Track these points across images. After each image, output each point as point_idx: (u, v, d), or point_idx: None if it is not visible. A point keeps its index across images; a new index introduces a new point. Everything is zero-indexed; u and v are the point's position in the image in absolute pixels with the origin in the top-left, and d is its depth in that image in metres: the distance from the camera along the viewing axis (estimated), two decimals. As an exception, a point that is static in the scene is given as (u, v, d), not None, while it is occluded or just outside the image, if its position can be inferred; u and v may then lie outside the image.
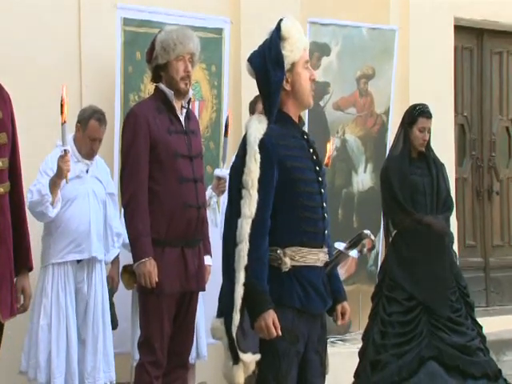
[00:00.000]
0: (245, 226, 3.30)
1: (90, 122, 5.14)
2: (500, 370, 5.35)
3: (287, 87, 3.47)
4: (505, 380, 5.36)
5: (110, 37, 6.13)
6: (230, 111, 6.29)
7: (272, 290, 3.36)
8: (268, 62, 3.46)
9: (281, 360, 3.37)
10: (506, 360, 7.25)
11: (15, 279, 3.64)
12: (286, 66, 3.45)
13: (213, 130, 6.31)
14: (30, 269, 3.80)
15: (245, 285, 3.30)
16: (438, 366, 5.14)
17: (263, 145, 3.38)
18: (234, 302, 3.31)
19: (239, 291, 3.31)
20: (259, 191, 3.32)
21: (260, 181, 3.32)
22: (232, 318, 3.31)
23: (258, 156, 3.34)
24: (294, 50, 3.46)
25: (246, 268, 3.30)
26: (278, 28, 3.47)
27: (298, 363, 3.44)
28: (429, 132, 5.46)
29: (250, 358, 3.31)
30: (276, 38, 3.47)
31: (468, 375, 5.17)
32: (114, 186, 5.60)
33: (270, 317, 3.25)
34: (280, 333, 3.29)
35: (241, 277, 3.30)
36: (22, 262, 3.69)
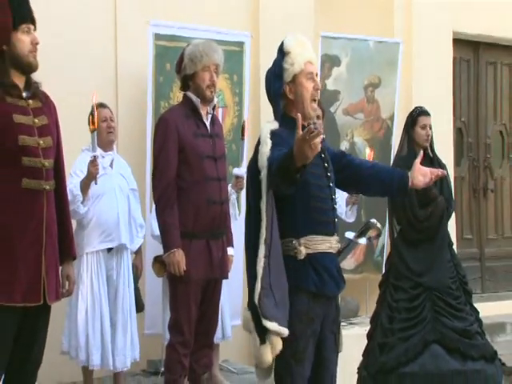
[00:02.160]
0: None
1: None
2: (496, 352, 5.34)
3: (290, 96, 3.53)
4: (499, 360, 5.36)
5: (143, 50, 6.17)
6: (248, 117, 6.39)
7: (289, 276, 3.38)
8: (271, 74, 3.56)
9: (298, 340, 3.39)
10: (499, 341, 7.29)
11: (60, 267, 3.67)
12: (288, 77, 3.51)
13: (234, 134, 6.32)
14: (74, 258, 3.83)
15: (265, 256, 3.31)
16: (440, 349, 5.13)
17: (274, 134, 3.44)
18: (256, 272, 3.32)
19: (260, 263, 3.32)
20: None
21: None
22: (254, 287, 3.31)
23: (269, 141, 3.38)
24: (295, 63, 3.50)
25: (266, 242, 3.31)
26: (281, 45, 3.55)
27: (315, 342, 3.45)
28: (430, 128, 5.45)
29: (275, 327, 3.26)
30: (279, 53, 3.55)
31: (467, 357, 5.16)
32: (135, 182, 5.63)
33: None
34: None
35: (261, 250, 3.32)
36: (67, 252, 3.72)
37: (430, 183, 3.64)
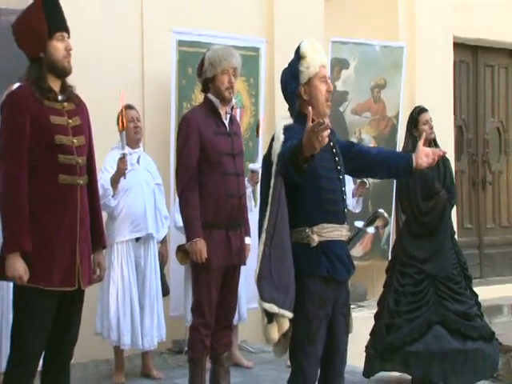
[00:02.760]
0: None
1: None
2: (493, 332, 5.34)
3: (305, 97, 3.52)
4: (497, 340, 5.36)
5: (167, 56, 6.22)
6: (263, 117, 6.42)
7: (302, 262, 3.39)
8: (287, 76, 3.55)
9: (311, 321, 3.39)
10: (496, 322, 7.31)
11: (92, 255, 3.69)
12: (303, 79, 3.50)
13: (251, 132, 6.33)
14: (104, 247, 3.85)
15: (266, 244, 3.32)
16: (442, 330, 5.13)
17: (288, 128, 3.45)
18: (258, 253, 3.37)
19: (260, 250, 3.35)
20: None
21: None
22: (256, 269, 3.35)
23: (282, 136, 3.38)
24: (310, 66, 3.50)
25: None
26: (298, 48, 3.54)
27: (327, 323, 3.45)
28: (431, 121, 5.42)
29: (273, 309, 3.27)
30: (295, 56, 3.54)
31: (467, 337, 5.16)
32: (160, 177, 5.67)
33: None
34: None
35: (262, 238, 3.35)
36: (98, 242, 3.74)
37: (432, 163, 3.65)
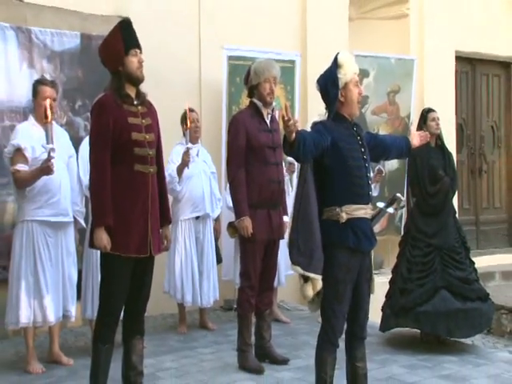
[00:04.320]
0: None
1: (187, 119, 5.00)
2: (488, 294, 5.27)
3: (342, 99, 3.48)
4: (491, 300, 5.30)
5: (219, 68, 6.26)
6: (298, 117, 6.44)
7: (332, 236, 3.38)
8: (328, 83, 3.49)
9: (339, 284, 3.38)
10: (490, 286, 7.22)
11: (160, 230, 3.73)
12: (341, 84, 3.46)
13: (287, 129, 6.35)
14: (170, 222, 3.89)
15: (295, 219, 3.37)
16: (447, 293, 5.07)
17: (315, 124, 3.46)
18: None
19: (290, 221, 3.41)
20: None
21: None
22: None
23: (309, 130, 3.41)
24: (347, 73, 3.46)
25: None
26: (336, 59, 3.50)
27: (352, 287, 3.45)
28: (438, 119, 5.34)
29: (298, 270, 3.32)
30: (334, 65, 3.49)
31: (467, 298, 5.10)
32: (214, 167, 5.68)
33: None
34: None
35: (291, 214, 3.41)
36: (165, 219, 3.78)
37: (421, 143, 3.82)
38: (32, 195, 4.42)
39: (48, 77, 5.13)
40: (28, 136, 4.45)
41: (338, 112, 3.49)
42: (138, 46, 3.63)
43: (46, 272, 4.45)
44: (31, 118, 4.61)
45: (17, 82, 5.35)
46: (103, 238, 3.44)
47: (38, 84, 4.58)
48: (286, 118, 3.06)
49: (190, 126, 4.89)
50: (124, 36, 3.59)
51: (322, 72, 3.59)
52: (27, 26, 5.42)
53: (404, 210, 6.59)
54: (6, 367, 4.61)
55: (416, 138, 3.77)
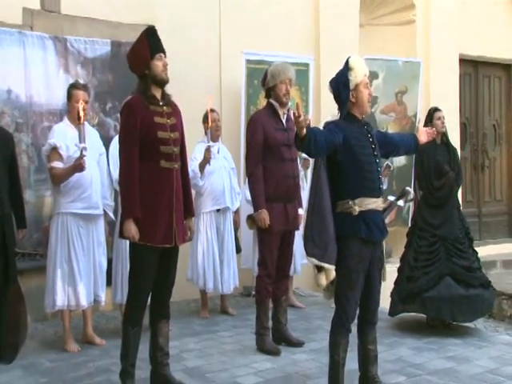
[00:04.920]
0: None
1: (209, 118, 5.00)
2: (490, 281, 5.22)
3: (353, 100, 3.44)
4: (492, 287, 5.25)
5: (239, 71, 6.23)
6: (312, 116, 6.37)
7: (346, 227, 3.35)
8: (340, 85, 3.46)
9: (352, 273, 3.36)
10: (491, 274, 7.15)
11: (184, 222, 3.72)
12: (352, 86, 3.42)
13: (302, 129, 6.32)
14: (193, 215, 3.87)
15: (309, 211, 3.35)
16: (451, 280, 5.02)
17: (328, 123, 3.44)
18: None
19: (305, 214, 3.38)
20: None
21: None
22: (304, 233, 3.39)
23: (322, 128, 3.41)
24: (357, 76, 3.42)
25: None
26: (347, 62, 3.46)
27: (364, 275, 3.42)
28: (443, 118, 5.29)
29: (314, 261, 3.30)
30: (345, 68, 3.45)
31: (470, 285, 5.04)
32: (233, 163, 5.65)
33: None
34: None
35: (306, 208, 3.38)
36: (189, 211, 3.76)
37: (428, 139, 3.76)
38: (66, 190, 4.45)
39: (81, 81, 5.15)
40: (63, 136, 4.48)
41: (350, 112, 3.46)
42: (163, 51, 3.62)
43: (78, 260, 4.49)
44: (66, 119, 4.64)
45: (54, 86, 5.39)
46: (132, 229, 3.44)
47: (72, 88, 4.61)
48: (296, 115, 3.06)
49: (211, 125, 4.87)
50: (149, 42, 3.58)
51: (334, 74, 3.55)
52: (63, 35, 5.47)
53: (411, 203, 6.53)
54: (46, 346, 4.67)
55: (423, 135, 3.74)
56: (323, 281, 3.34)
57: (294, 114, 3.08)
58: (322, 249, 3.29)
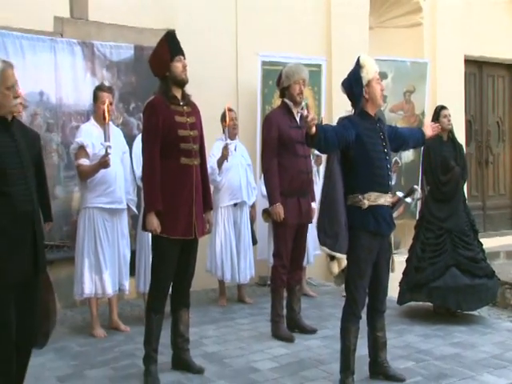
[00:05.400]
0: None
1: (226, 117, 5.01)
2: (494, 271, 5.14)
3: (366, 96, 3.40)
4: (496, 276, 5.17)
5: (254, 72, 6.19)
6: (324, 115, 6.35)
7: (356, 220, 3.32)
8: (352, 82, 3.41)
9: (361, 263, 3.34)
10: (495, 264, 7.05)
11: (204, 215, 3.70)
12: (364, 82, 3.38)
13: (315, 126, 6.29)
14: (212, 208, 3.85)
15: (322, 203, 3.35)
16: (457, 270, 4.94)
17: (342, 119, 3.42)
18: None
19: (318, 206, 3.38)
20: None
21: None
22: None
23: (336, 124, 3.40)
24: (369, 72, 3.39)
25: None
26: (358, 60, 3.42)
27: (372, 265, 3.40)
28: (449, 116, 5.21)
29: (326, 250, 3.29)
30: (357, 66, 3.41)
31: (475, 275, 4.97)
32: (250, 159, 5.61)
33: None
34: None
35: (321, 202, 3.37)
36: (207, 205, 3.74)
37: (433, 133, 3.77)
38: (92, 185, 4.46)
39: (106, 83, 5.17)
40: (89, 135, 4.49)
41: (363, 109, 3.42)
42: (182, 53, 3.60)
43: (104, 251, 4.50)
44: (92, 119, 4.65)
45: (82, 88, 5.41)
46: (154, 221, 3.43)
47: (98, 90, 4.61)
48: (305, 115, 3.08)
49: (228, 123, 4.83)
50: (170, 45, 3.56)
51: (345, 75, 3.51)
52: (91, 40, 5.51)
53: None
54: (75, 331, 4.70)
55: (429, 129, 3.75)
56: (335, 269, 3.34)
57: (302, 114, 3.09)
58: (334, 239, 3.27)
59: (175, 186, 3.48)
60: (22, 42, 5.06)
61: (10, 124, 2.86)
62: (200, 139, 3.68)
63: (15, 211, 2.76)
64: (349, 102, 3.51)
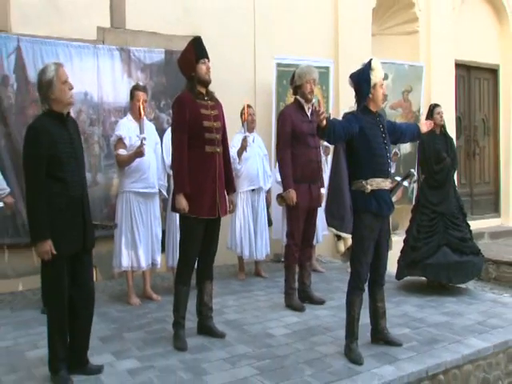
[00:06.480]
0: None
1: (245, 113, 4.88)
2: (479, 249, 5.05)
3: (370, 96, 3.32)
4: (482, 254, 5.07)
5: (270, 73, 6.10)
6: (332, 111, 6.23)
7: (359, 203, 3.26)
8: (361, 81, 3.32)
9: (365, 241, 3.29)
10: (481, 243, 7.03)
11: (227, 197, 3.64)
12: (371, 84, 3.30)
13: (324, 120, 6.20)
14: (235, 190, 3.79)
15: (328, 188, 3.30)
16: (448, 249, 4.86)
17: (346, 114, 3.35)
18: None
19: (326, 191, 3.36)
20: None
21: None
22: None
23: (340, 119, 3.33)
24: (377, 76, 3.32)
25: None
26: (369, 63, 3.33)
27: (374, 243, 3.34)
28: (442, 113, 5.11)
29: (333, 231, 3.22)
30: (368, 67, 3.32)
31: (463, 253, 4.89)
32: (266, 150, 5.51)
33: None
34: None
35: (329, 187, 3.30)
36: (230, 187, 3.69)
37: (427, 129, 3.64)
38: (129, 172, 4.42)
39: (141, 83, 5.13)
40: (126, 128, 4.46)
41: (366, 106, 3.35)
42: (207, 56, 3.53)
43: (139, 230, 4.47)
44: (129, 115, 4.60)
45: (120, 88, 5.39)
46: (182, 202, 3.38)
47: (134, 89, 4.57)
48: (317, 109, 3.04)
49: (247, 118, 4.75)
50: (195, 49, 3.50)
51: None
52: (127, 46, 5.50)
53: (415, 185, 6.39)
54: (114, 299, 4.68)
55: (424, 126, 3.67)
56: (342, 247, 3.29)
57: (315, 108, 3.05)
58: (340, 220, 3.22)
59: (201, 172, 3.42)
60: (70, 50, 5.13)
61: (66, 119, 2.93)
62: (222, 130, 3.61)
63: (69, 195, 2.84)
64: (352, 100, 3.44)
